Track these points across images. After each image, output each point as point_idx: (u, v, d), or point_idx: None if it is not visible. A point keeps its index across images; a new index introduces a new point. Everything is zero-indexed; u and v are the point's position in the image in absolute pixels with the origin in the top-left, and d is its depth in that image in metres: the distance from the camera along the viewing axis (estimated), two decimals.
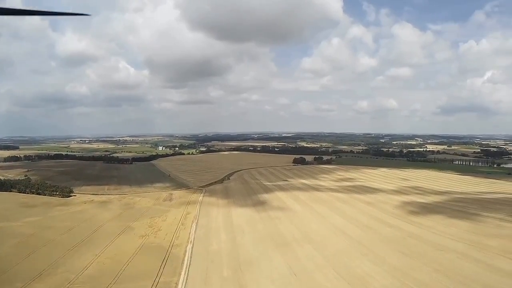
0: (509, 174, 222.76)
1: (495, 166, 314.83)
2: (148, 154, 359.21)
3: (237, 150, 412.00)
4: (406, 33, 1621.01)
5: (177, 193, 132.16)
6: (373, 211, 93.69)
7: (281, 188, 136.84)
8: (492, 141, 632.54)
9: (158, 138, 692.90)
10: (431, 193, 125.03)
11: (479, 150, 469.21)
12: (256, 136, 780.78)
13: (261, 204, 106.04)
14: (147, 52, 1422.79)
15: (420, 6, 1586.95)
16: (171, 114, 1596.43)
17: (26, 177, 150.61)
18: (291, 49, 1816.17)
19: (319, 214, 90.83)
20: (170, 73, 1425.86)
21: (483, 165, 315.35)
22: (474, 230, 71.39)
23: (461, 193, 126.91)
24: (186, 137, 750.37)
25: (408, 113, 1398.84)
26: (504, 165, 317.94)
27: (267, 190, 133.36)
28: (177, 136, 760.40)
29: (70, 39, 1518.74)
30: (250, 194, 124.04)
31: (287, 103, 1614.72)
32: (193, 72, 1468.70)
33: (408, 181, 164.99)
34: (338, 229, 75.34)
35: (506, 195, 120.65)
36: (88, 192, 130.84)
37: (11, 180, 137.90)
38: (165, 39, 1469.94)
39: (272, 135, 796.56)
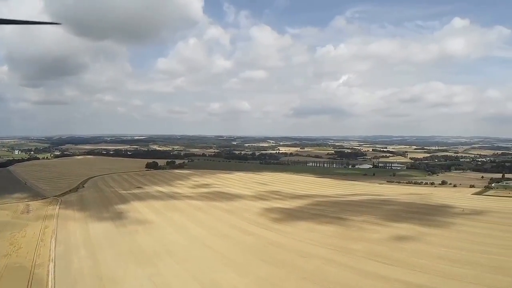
0: (365, 175, 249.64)
1: (350, 167, 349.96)
2: (5, 159, 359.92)
3: (90, 154, 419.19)
4: (264, 36, 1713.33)
5: (34, 204, 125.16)
6: (232, 219, 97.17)
7: (137, 197, 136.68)
8: (346, 142, 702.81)
9: (14, 141, 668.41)
10: (291, 198, 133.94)
11: (333, 151, 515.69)
12: (108, 139, 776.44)
13: (118, 216, 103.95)
14: (8, 46, 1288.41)
15: (281, 9, 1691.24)
16: (27, 114, 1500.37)
17: None
18: (148, 49, 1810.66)
19: (178, 225, 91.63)
20: (29, 70, 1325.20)
21: (337, 167, 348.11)
22: (337, 234, 78.40)
23: (321, 196, 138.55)
24: (41, 139, 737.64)
25: (260, 115, 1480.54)
26: (358, 166, 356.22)
27: (123, 200, 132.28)
28: (32, 139, 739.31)
29: None
30: (106, 205, 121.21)
31: (141, 105, 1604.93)
32: (51, 70, 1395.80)
33: (266, 185, 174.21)
34: (199, 240, 76.48)
35: (366, 196, 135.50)
36: None
37: None
38: (27, 33, 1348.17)
39: (124, 138, 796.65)
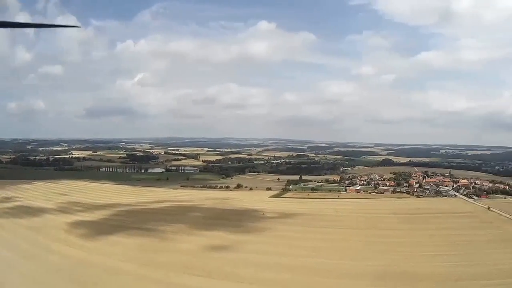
0: (158, 179, 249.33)
1: (143, 171, 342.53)
2: None
3: None
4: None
5: None
6: (37, 237, 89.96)
7: None
8: (137, 144, 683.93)
9: None
10: (92, 208, 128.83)
11: (125, 155, 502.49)
12: None
13: None
14: None
15: None
16: None
17: None
18: None
19: None
20: None
21: (130, 171, 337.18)
22: (146, 247, 78.87)
23: (122, 205, 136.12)
24: None
25: (55, 115, 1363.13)
26: (151, 170, 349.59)
27: None
28: None
29: None
30: None
31: None
32: None
33: (65, 195, 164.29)
34: (9, 264, 69.42)
35: (168, 203, 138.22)
36: None
37: None
38: None
39: None
